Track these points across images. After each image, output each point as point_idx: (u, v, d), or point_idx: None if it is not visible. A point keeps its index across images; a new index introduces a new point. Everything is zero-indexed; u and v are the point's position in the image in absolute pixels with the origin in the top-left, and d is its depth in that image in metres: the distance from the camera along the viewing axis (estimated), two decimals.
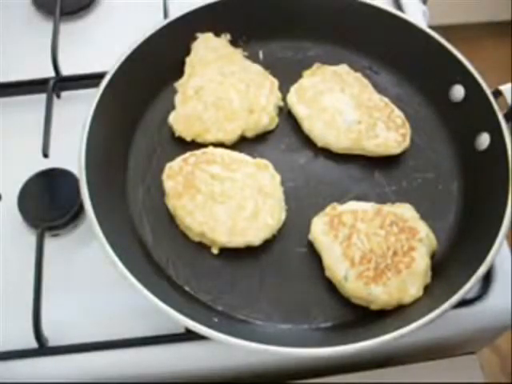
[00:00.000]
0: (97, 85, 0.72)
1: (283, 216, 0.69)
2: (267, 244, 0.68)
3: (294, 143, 0.77)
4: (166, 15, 0.86)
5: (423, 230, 0.67)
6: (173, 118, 0.75)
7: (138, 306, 0.66)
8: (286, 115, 0.78)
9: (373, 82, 0.79)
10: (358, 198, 0.71)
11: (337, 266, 0.64)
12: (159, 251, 0.69)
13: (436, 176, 0.74)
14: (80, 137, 0.67)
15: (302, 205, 0.72)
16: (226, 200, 0.68)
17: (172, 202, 0.68)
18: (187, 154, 0.71)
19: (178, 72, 0.79)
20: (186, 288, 0.66)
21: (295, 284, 0.67)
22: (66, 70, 0.84)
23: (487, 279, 0.70)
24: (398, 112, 0.76)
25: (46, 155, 0.71)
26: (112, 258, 0.61)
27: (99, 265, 0.66)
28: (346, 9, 0.81)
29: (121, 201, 0.71)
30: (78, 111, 0.70)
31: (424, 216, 0.69)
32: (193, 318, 0.58)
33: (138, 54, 0.75)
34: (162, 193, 0.70)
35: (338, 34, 0.82)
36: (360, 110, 0.75)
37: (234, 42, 0.82)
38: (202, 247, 0.68)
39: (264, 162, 0.72)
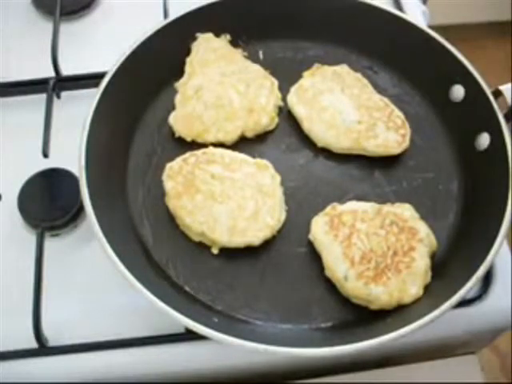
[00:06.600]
0: (97, 85, 0.72)
1: (283, 216, 0.69)
2: (267, 244, 0.68)
3: (293, 143, 0.77)
4: (166, 15, 0.86)
5: (423, 229, 0.67)
6: (173, 118, 0.75)
7: (138, 305, 0.66)
8: (286, 115, 0.78)
9: (373, 82, 0.79)
10: (358, 198, 0.71)
11: (337, 265, 0.64)
12: (159, 251, 0.69)
13: (436, 176, 0.74)
14: (80, 137, 0.67)
15: (302, 205, 0.72)
16: (226, 200, 0.68)
17: (172, 202, 0.68)
18: (187, 154, 0.71)
19: (178, 72, 0.79)
20: (186, 288, 0.66)
21: (295, 284, 0.67)
22: (66, 70, 0.84)
23: (487, 279, 0.70)
24: (397, 112, 0.76)
25: (45, 155, 0.72)
26: (112, 258, 0.61)
27: (99, 265, 0.66)
28: (346, 9, 0.80)
29: (121, 201, 0.71)
30: (78, 111, 0.70)
31: (424, 216, 0.69)
32: (193, 318, 0.58)
33: (137, 54, 0.75)
34: (162, 193, 0.70)
35: (338, 34, 0.82)
36: (360, 110, 0.75)
37: (233, 42, 0.82)
38: (202, 247, 0.68)
39: (264, 162, 0.72)
